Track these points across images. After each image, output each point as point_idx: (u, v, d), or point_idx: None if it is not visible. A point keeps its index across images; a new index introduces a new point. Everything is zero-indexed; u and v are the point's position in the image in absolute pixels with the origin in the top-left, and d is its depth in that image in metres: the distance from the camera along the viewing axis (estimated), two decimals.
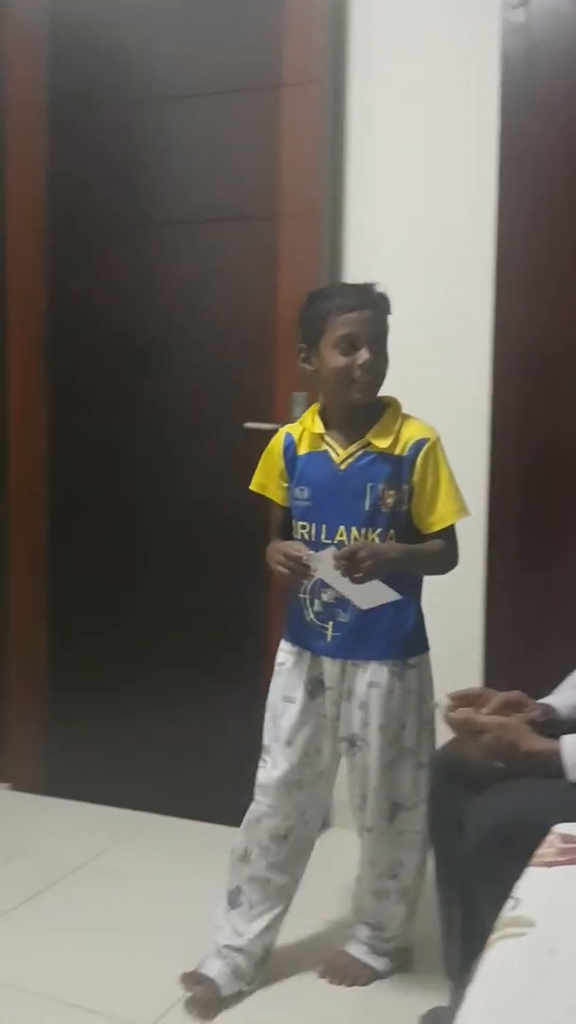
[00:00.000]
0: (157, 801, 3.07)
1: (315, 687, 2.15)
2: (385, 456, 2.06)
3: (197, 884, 2.57)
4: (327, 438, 2.11)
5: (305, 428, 2.14)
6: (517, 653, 2.68)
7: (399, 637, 2.12)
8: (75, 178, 3.08)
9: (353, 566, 1.93)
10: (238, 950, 2.17)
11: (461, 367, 2.80)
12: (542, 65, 2.62)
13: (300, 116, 2.79)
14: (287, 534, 2.17)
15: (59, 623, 3.21)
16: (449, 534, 2.11)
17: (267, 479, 2.21)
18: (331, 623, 2.10)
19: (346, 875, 2.37)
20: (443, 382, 2.83)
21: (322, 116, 2.80)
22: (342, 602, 2.06)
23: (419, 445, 2.07)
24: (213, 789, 2.94)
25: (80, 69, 3.04)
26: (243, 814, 2.20)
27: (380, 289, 2.11)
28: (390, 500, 2.05)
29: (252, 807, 2.19)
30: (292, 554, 1.99)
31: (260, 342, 2.89)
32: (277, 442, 2.19)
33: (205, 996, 2.12)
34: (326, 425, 2.12)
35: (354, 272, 2.91)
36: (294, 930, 2.34)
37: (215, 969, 2.15)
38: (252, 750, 2.22)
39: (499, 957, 1.07)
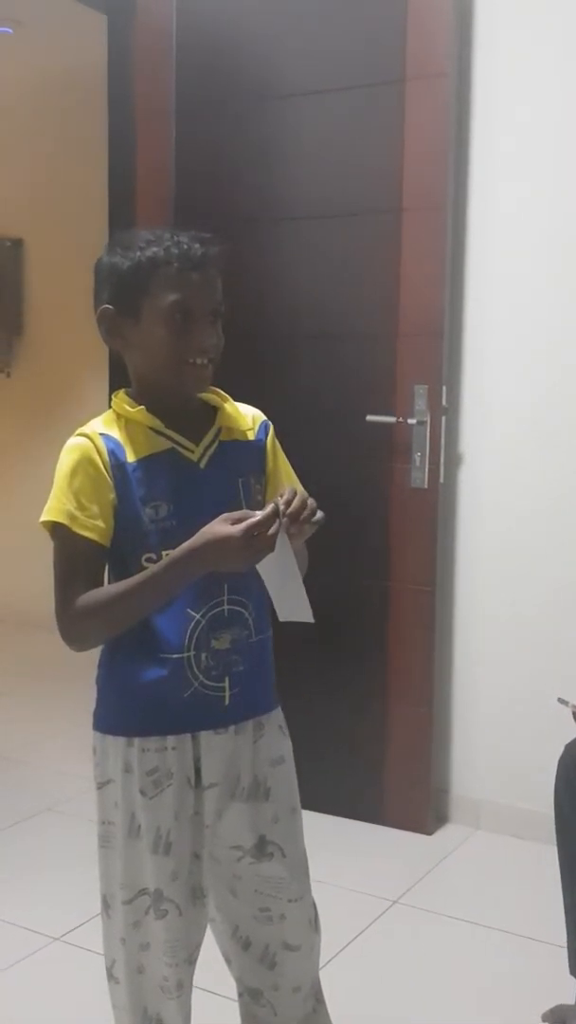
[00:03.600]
0: None
1: (198, 783, 1.55)
2: (243, 443, 1.59)
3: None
4: (170, 432, 1.52)
5: (129, 423, 1.51)
6: None
7: (273, 677, 1.64)
8: (202, 175, 3.13)
9: (302, 515, 1.40)
10: None
11: None
12: None
13: (425, 110, 2.79)
14: (100, 585, 1.51)
15: None
16: None
17: (83, 507, 1.47)
18: (227, 678, 1.53)
19: None
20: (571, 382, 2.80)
21: (447, 109, 2.79)
22: (239, 643, 1.54)
23: (265, 426, 1.64)
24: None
25: (206, 68, 3.09)
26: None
27: (217, 242, 1.54)
28: (260, 497, 1.58)
29: (151, 978, 1.57)
30: (259, 519, 1.37)
31: (382, 335, 2.89)
32: (93, 448, 1.48)
33: None
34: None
35: (477, 266, 2.90)
36: None
37: None
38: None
39: None
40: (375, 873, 2.72)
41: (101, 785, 1.56)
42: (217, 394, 1.59)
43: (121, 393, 1.55)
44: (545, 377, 2.85)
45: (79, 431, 1.52)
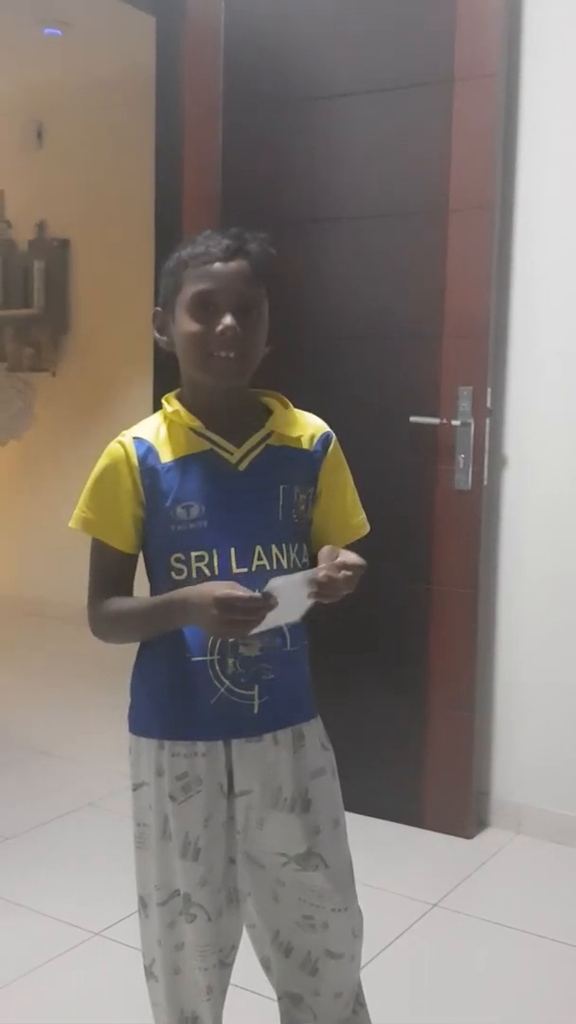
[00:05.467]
0: None
1: (230, 790, 1.53)
2: (293, 451, 1.55)
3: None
4: (208, 433, 1.52)
5: (172, 424, 1.52)
6: None
7: (310, 686, 1.61)
8: (248, 175, 3.14)
9: (335, 584, 1.38)
10: None
11: None
12: None
13: (473, 110, 2.78)
14: (127, 590, 1.53)
15: None
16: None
17: (104, 514, 1.51)
18: (257, 686, 1.50)
19: None
20: None
21: (495, 110, 2.77)
22: (269, 652, 1.50)
23: (326, 439, 1.60)
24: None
25: (254, 69, 3.10)
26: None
27: (259, 240, 1.52)
28: (303, 507, 1.54)
29: (187, 978, 1.57)
30: (240, 596, 1.34)
31: (427, 336, 2.88)
32: (123, 455, 1.50)
33: None
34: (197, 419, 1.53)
35: (523, 267, 2.88)
36: None
37: None
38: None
39: None
40: (415, 876, 2.71)
41: (136, 787, 1.57)
42: (276, 398, 1.59)
43: (170, 395, 1.56)
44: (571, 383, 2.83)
45: (119, 436, 1.54)
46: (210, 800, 1.51)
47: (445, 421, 2.86)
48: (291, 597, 1.36)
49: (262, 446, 1.53)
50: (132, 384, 4.92)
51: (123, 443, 1.51)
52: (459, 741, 2.95)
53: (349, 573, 1.39)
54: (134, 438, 1.51)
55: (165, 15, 3.26)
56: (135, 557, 1.53)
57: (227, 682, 1.49)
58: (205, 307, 1.46)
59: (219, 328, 1.46)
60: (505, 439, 2.94)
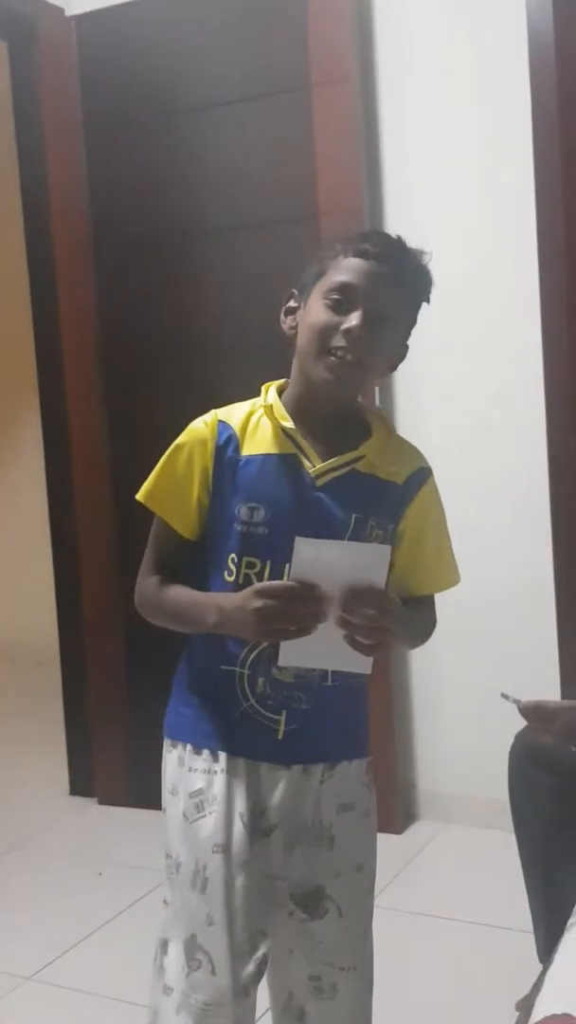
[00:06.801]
0: None
1: (255, 822, 1.43)
2: (380, 482, 1.44)
3: None
4: (298, 437, 1.44)
5: (263, 416, 1.45)
6: None
7: (362, 725, 1.53)
8: (117, 194, 3.12)
9: (375, 625, 1.30)
10: None
11: (514, 371, 2.80)
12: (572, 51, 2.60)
13: (333, 114, 2.80)
14: (179, 574, 1.46)
15: (135, 639, 3.23)
16: (432, 602, 1.54)
17: (169, 491, 1.45)
18: (284, 712, 1.42)
19: None
20: (490, 383, 2.82)
21: (355, 113, 2.80)
22: (304, 682, 1.41)
23: (421, 476, 1.49)
24: None
25: (112, 88, 3.08)
26: None
27: (424, 260, 1.47)
28: (377, 544, 1.42)
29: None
30: (282, 583, 1.30)
31: None
32: (203, 436, 1.44)
33: None
34: (293, 418, 1.44)
35: None
36: None
37: None
38: None
39: None
40: None
41: (164, 810, 1.50)
42: (381, 419, 1.50)
43: (273, 384, 1.50)
44: (470, 384, 2.88)
45: (206, 414, 1.47)
46: (226, 825, 1.41)
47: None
48: (329, 576, 1.26)
49: (347, 468, 1.43)
50: (18, 423, 4.85)
51: (207, 423, 1.45)
52: (380, 737, 2.94)
53: (373, 612, 1.28)
54: (219, 421, 1.44)
55: (16, 40, 3.22)
56: (191, 543, 1.46)
57: (252, 700, 1.42)
58: (340, 300, 1.39)
59: (345, 325, 1.37)
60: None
